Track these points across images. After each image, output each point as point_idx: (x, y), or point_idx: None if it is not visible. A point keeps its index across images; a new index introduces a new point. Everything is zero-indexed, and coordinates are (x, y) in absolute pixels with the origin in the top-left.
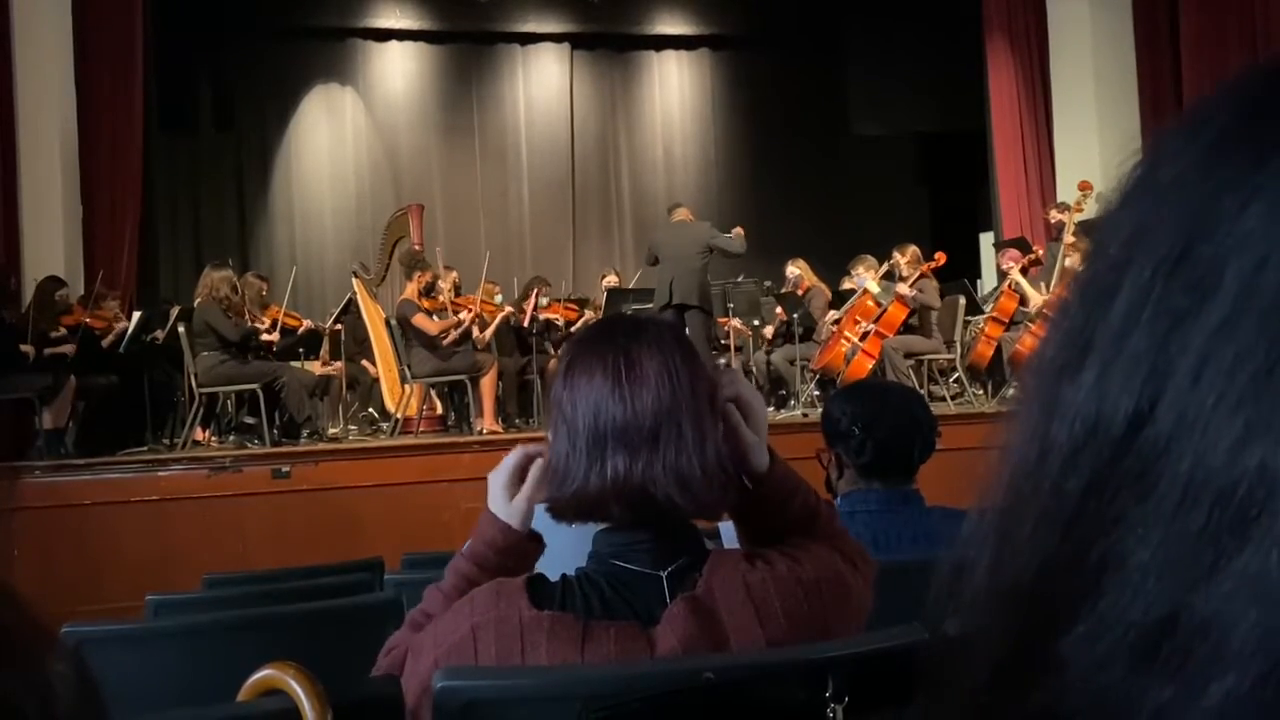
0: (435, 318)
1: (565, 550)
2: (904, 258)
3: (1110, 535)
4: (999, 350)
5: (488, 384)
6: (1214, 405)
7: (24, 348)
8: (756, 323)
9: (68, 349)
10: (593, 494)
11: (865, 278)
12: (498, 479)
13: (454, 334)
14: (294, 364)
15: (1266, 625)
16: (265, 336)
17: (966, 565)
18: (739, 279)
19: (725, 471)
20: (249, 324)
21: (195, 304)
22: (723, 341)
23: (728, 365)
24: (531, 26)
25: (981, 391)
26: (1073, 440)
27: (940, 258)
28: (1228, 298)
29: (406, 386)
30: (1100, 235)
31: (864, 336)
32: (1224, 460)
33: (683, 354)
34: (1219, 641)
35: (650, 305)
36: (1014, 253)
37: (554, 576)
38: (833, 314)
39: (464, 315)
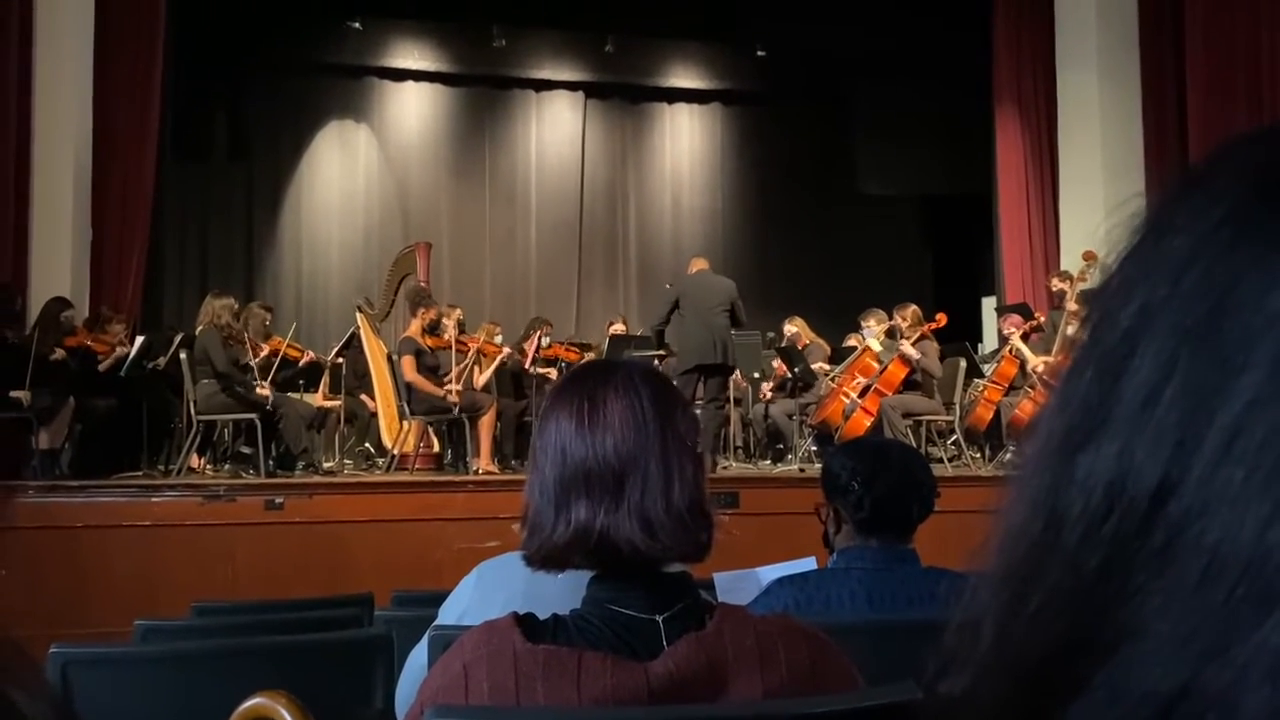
0: (436, 355)
1: (555, 598)
2: (904, 320)
3: (1128, 606)
4: (998, 414)
5: (486, 424)
6: (1243, 481)
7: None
8: (757, 375)
9: (66, 360)
10: (559, 545)
11: (874, 331)
12: None
13: (443, 390)
14: (293, 396)
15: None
16: (259, 389)
17: (969, 628)
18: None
19: (700, 513)
20: (242, 358)
21: (197, 331)
22: (724, 393)
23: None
24: (547, 73)
25: (979, 455)
26: (1091, 511)
27: (941, 318)
28: (1258, 375)
29: (404, 423)
30: (1106, 303)
31: (863, 393)
32: (1252, 536)
33: (652, 394)
34: (1231, 713)
35: (661, 354)
36: (1015, 318)
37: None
38: (823, 366)
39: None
